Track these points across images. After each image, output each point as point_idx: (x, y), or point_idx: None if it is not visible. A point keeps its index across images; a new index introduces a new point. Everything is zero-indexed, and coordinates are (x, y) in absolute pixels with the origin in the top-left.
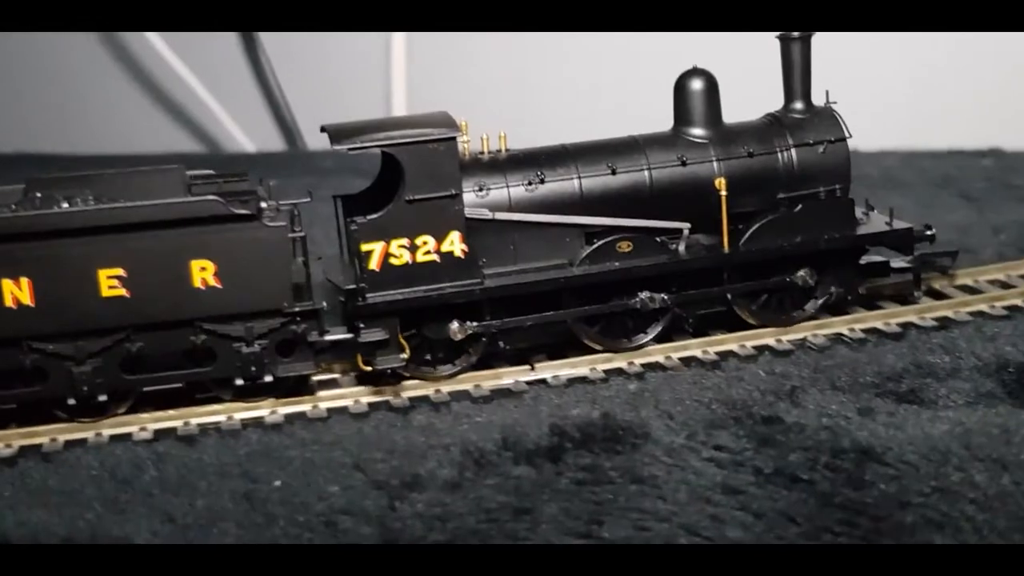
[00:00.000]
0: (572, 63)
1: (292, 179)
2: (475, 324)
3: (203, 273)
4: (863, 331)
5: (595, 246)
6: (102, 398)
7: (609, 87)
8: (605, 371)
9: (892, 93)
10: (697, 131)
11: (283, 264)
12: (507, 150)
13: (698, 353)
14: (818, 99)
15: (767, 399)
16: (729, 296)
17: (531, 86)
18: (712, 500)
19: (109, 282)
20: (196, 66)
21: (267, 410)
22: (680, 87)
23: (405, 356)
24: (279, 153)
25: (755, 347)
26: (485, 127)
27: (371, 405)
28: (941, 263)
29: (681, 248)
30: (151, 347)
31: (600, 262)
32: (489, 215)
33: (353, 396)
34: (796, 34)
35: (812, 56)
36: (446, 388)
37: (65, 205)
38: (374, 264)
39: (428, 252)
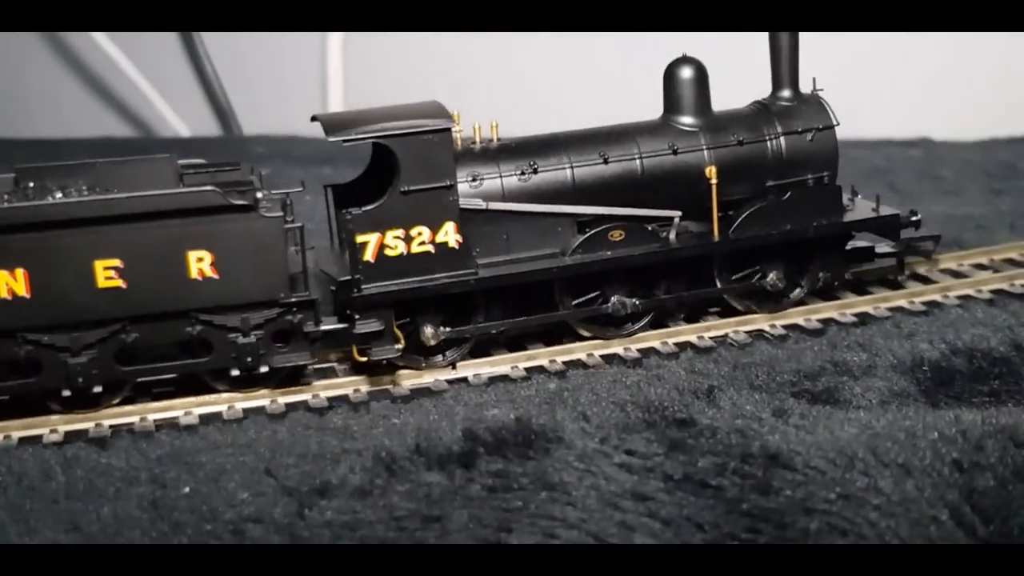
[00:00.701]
0: (512, 60)
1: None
2: (448, 329)
3: (200, 264)
4: (784, 327)
5: (587, 235)
6: (97, 390)
7: (554, 83)
8: (527, 369)
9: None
10: (687, 119)
11: (280, 254)
12: (499, 139)
13: (619, 351)
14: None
15: (684, 399)
16: (718, 284)
17: (469, 84)
18: (621, 507)
19: (106, 273)
20: (128, 48)
21: (181, 411)
22: (670, 75)
23: (400, 346)
24: (214, 138)
25: (677, 344)
26: None
27: (288, 405)
28: (924, 247)
29: (672, 236)
30: (146, 338)
31: (592, 251)
32: (483, 205)
33: (352, 386)
34: None
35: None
36: (364, 388)
37: (59, 195)
38: (369, 255)
39: (423, 243)
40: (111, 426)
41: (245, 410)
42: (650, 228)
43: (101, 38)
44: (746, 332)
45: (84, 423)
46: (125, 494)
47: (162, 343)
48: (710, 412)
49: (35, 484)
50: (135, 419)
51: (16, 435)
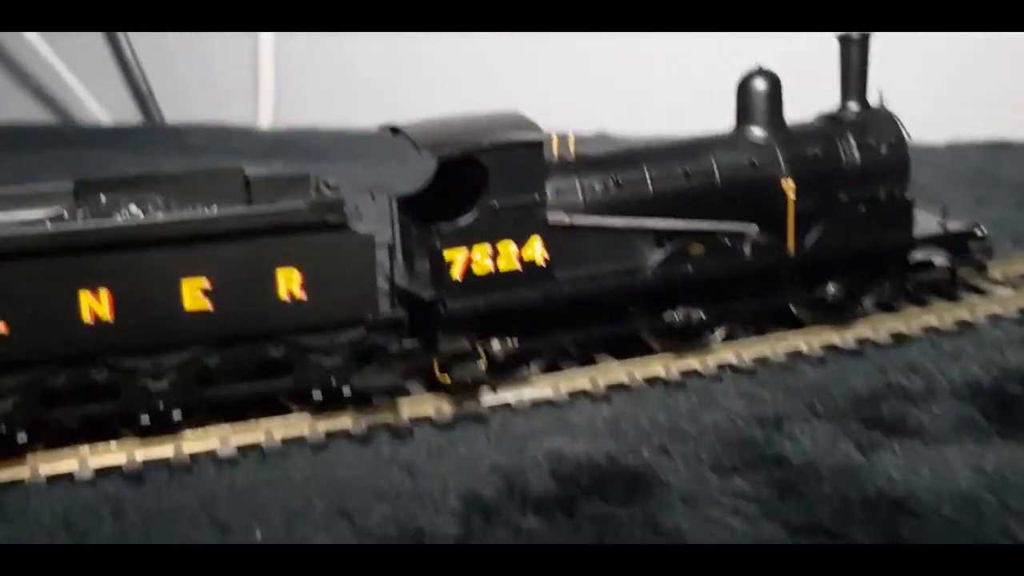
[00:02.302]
0: (449, 60)
1: (159, 157)
2: (517, 344)
3: (289, 283)
4: (821, 346)
5: (668, 249)
6: (177, 415)
7: (496, 85)
8: (570, 393)
9: None
10: (761, 132)
11: (370, 272)
12: (576, 152)
13: (662, 372)
14: None
15: (755, 430)
16: (787, 296)
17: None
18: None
19: (193, 293)
20: (47, 34)
21: (262, 434)
22: (744, 87)
23: (484, 365)
24: (137, 127)
25: (719, 366)
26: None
27: (328, 434)
28: (978, 259)
29: (747, 250)
30: (228, 361)
31: (673, 265)
32: (567, 220)
33: (429, 405)
34: (856, 35)
35: (870, 56)
36: (445, 408)
37: (133, 208)
38: (457, 272)
39: (510, 259)
40: (145, 461)
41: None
42: (727, 242)
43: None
44: (784, 352)
45: (156, 449)
46: (186, 537)
47: (244, 365)
48: (790, 446)
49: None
50: (213, 444)
51: (89, 462)
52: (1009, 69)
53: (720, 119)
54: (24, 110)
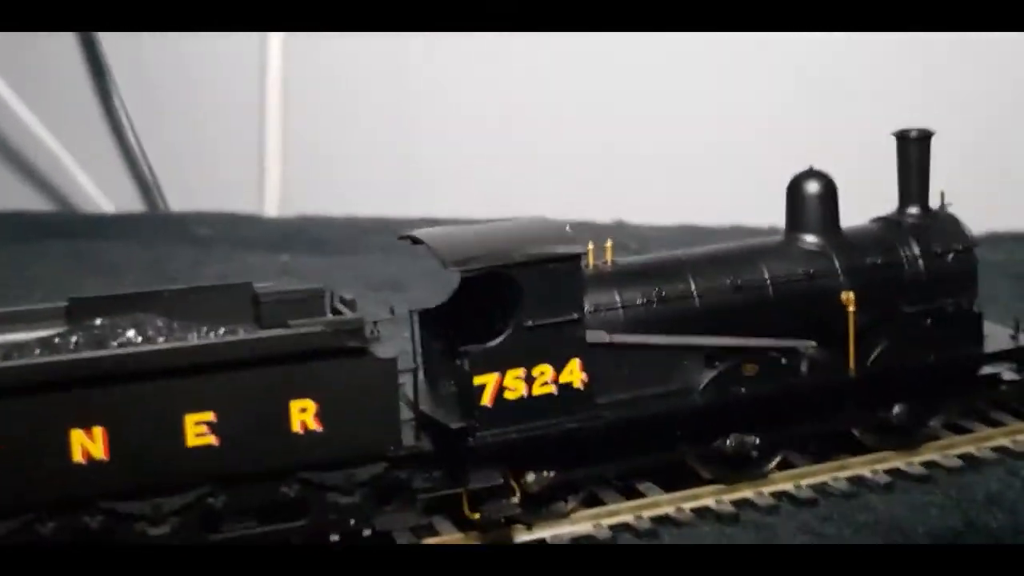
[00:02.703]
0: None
1: (165, 248)
2: (552, 475)
3: (303, 415)
4: (886, 471)
5: (718, 370)
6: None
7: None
8: (612, 528)
9: None
10: (815, 239)
11: (392, 401)
12: (613, 261)
13: (712, 504)
14: None
15: None
16: (848, 418)
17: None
18: None
19: (197, 429)
20: (45, 116)
21: None
22: (795, 190)
23: (516, 501)
24: (141, 215)
25: (772, 494)
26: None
27: None
28: None
29: (803, 368)
30: (237, 501)
31: (723, 386)
32: (607, 339)
33: (460, 540)
34: (914, 133)
35: (931, 157)
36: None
37: (131, 334)
38: (487, 399)
39: (546, 383)
40: None
41: None
42: (783, 361)
43: (18, 106)
44: (845, 478)
45: None
46: None
47: (253, 505)
48: None
49: None
50: None
51: None
52: None
53: (746, 211)
54: (26, 199)
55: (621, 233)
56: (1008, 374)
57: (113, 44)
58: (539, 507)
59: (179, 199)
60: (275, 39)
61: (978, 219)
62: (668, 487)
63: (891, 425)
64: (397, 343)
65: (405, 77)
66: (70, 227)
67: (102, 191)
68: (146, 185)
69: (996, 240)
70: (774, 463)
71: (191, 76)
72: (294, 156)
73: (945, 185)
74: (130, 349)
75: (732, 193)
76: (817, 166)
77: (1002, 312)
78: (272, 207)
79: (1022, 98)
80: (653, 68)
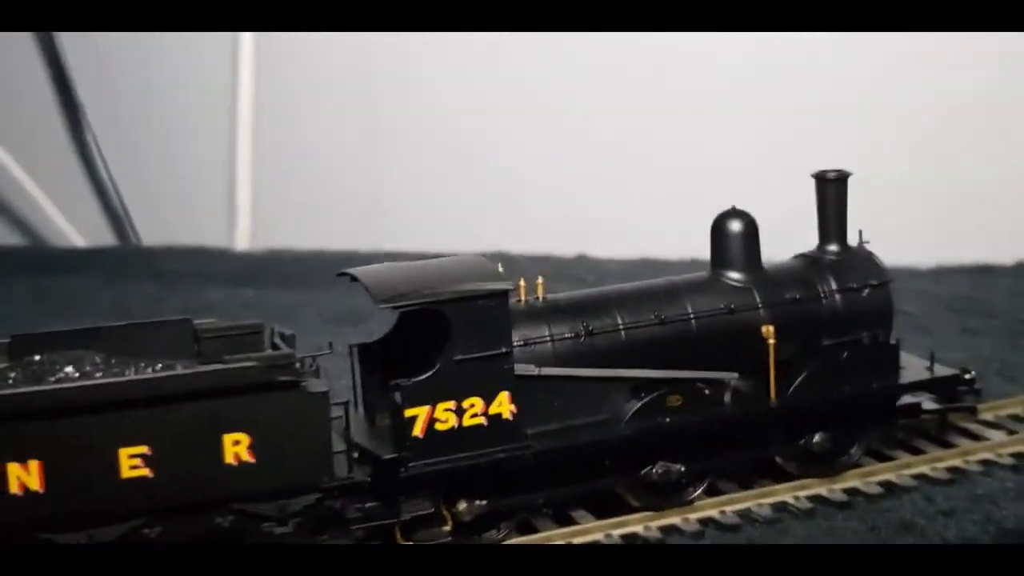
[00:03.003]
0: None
1: (130, 283)
2: (484, 503)
3: (236, 448)
4: (807, 498)
5: (644, 400)
6: None
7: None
8: (661, 527)
9: None
10: (738, 275)
11: (324, 433)
12: (544, 297)
13: (640, 530)
14: None
15: None
16: (769, 447)
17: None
18: None
19: (131, 461)
20: (15, 150)
21: None
22: (718, 228)
23: (448, 529)
24: (108, 249)
25: (699, 520)
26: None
27: None
28: (967, 403)
29: (727, 398)
30: (172, 532)
31: (649, 417)
32: (535, 371)
33: None
34: (832, 174)
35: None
36: None
37: (70, 369)
38: (418, 430)
39: (476, 415)
40: None
41: None
42: (706, 392)
43: None
44: (769, 504)
45: None
46: None
47: (189, 536)
48: None
49: None
50: None
51: None
52: (994, 192)
53: (704, 244)
54: (1, 235)
55: (581, 266)
56: (928, 403)
57: (85, 77)
58: (472, 535)
59: (151, 232)
60: (246, 72)
61: (926, 252)
62: (598, 514)
63: (813, 453)
64: (341, 377)
65: (375, 113)
66: (38, 261)
67: (73, 225)
68: (117, 219)
69: (942, 273)
70: (700, 490)
71: (163, 110)
72: (265, 190)
73: (892, 218)
74: (65, 384)
75: (691, 227)
76: (740, 205)
77: (936, 344)
78: (243, 241)
79: (967, 129)
80: (615, 105)
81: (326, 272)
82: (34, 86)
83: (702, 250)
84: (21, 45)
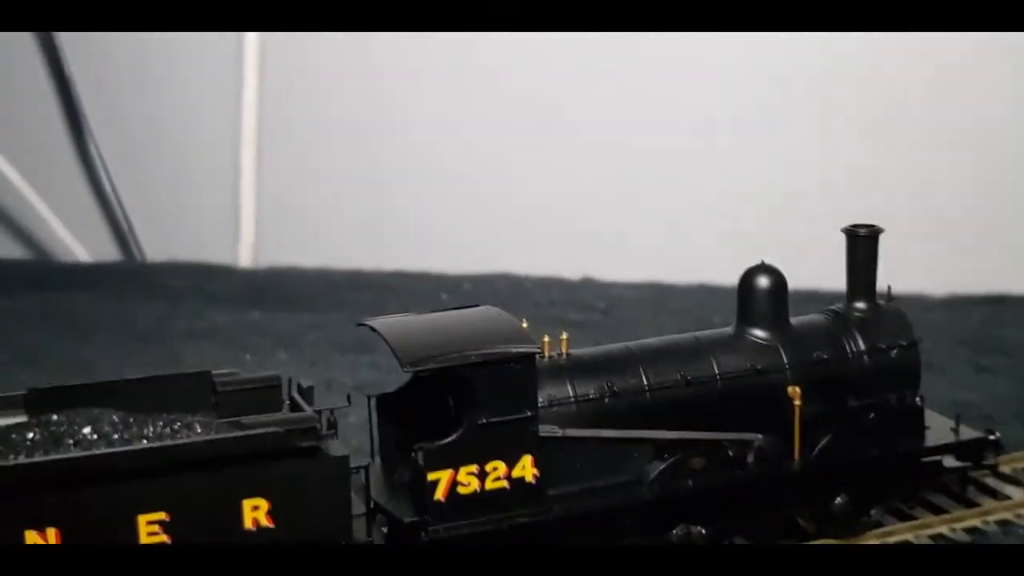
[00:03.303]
0: (429, 121)
1: (135, 302)
2: None
3: (255, 513)
4: None
5: (667, 463)
6: None
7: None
8: None
9: None
10: (763, 333)
11: (343, 497)
12: (567, 353)
13: None
14: None
15: None
16: (793, 509)
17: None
18: None
19: (149, 528)
20: (19, 163)
21: None
22: (746, 284)
23: None
24: (113, 264)
25: None
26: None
27: None
28: (988, 460)
29: (750, 460)
30: None
31: (672, 479)
32: (559, 433)
33: None
34: (863, 230)
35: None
36: None
37: (87, 431)
38: (440, 494)
39: (498, 479)
40: None
41: None
42: (731, 453)
43: None
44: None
45: None
46: None
47: None
48: None
49: None
50: None
51: None
52: (1008, 220)
53: (711, 270)
54: (4, 247)
55: (588, 289)
56: (949, 461)
57: (88, 89)
58: None
59: (155, 248)
60: (251, 89)
61: (938, 280)
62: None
63: (833, 514)
64: (354, 423)
65: (380, 131)
66: (42, 277)
67: (77, 239)
68: (122, 234)
69: (954, 303)
70: None
71: (167, 124)
72: (269, 206)
73: (904, 244)
74: (85, 452)
75: (699, 252)
76: (769, 261)
77: (949, 384)
78: (245, 257)
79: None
80: (626, 125)
81: (331, 293)
82: (37, 97)
83: (710, 275)
84: (24, 56)
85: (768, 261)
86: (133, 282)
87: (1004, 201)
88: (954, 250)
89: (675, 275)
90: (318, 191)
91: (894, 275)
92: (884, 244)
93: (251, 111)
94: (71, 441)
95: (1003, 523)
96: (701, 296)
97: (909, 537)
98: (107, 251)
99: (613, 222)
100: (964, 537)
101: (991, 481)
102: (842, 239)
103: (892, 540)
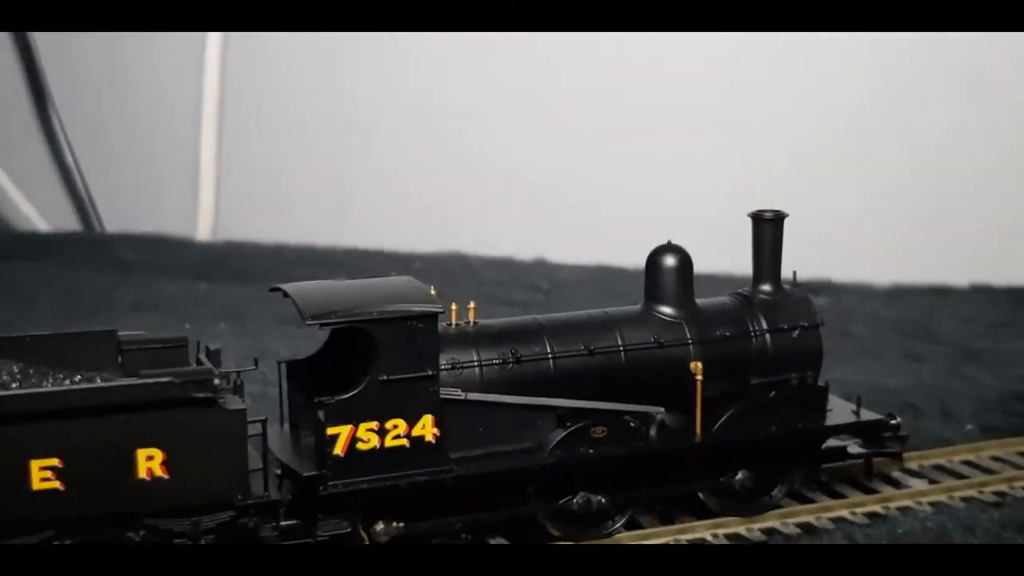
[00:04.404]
0: (390, 99)
1: (86, 272)
2: (401, 526)
3: (150, 463)
4: (726, 536)
5: (569, 430)
6: None
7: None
8: None
9: None
10: (670, 310)
11: (240, 451)
12: (475, 322)
13: None
14: None
15: None
16: (693, 483)
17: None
18: None
19: (42, 474)
20: None
21: None
22: (653, 263)
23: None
24: (74, 234)
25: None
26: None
27: None
28: (892, 448)
29: (652, 432)
30: (81, 545)
31: (572, 447)
32: (461, 395)
33: None
34: (769, 214)
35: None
36: None
37: None
38: (339, 449)
39: (398, 436)
40: None
41: None
42: (632, 424)
43: None
44: (687, 542)
45: None
46: None
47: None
48: None
49: None
50: None
51: None
52: (954, 211)
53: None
54: None
55: (537, 271)
56: (854, 448)
57: (53, 63)
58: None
59: (114, 219)
60: (213, 61)
61: (881, 271)
62: (517, 543)
63: (735, 491)
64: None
65: (341, 109)
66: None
67: (37, 210)
68: (82, 204)
69: (896, 294)
70: (620, 523)
71: (130, 97)
72: (229, 181)
73: (850, 236)
74: None
75: (649, 238)
76: (675, 240)
77: (880, 368)
78: (204, 231)
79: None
80: (582, 113)
81: (281, 268)
82: (2, 71)
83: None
84: None
85: (675, 242)
86: (87, 253)
87: (948, 197)
88: (898, 243)
89: (627, 259)
90: (279, 168)
91: (841, 265)
92: (830, 235)
93: (213, 86)
94: None
95: (905, 510)
96: None
97: (810, 520)
98: (67, 222)
99: (569, 206)
100: (829, 525)
101: (897, 475)
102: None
103: (793, 521)
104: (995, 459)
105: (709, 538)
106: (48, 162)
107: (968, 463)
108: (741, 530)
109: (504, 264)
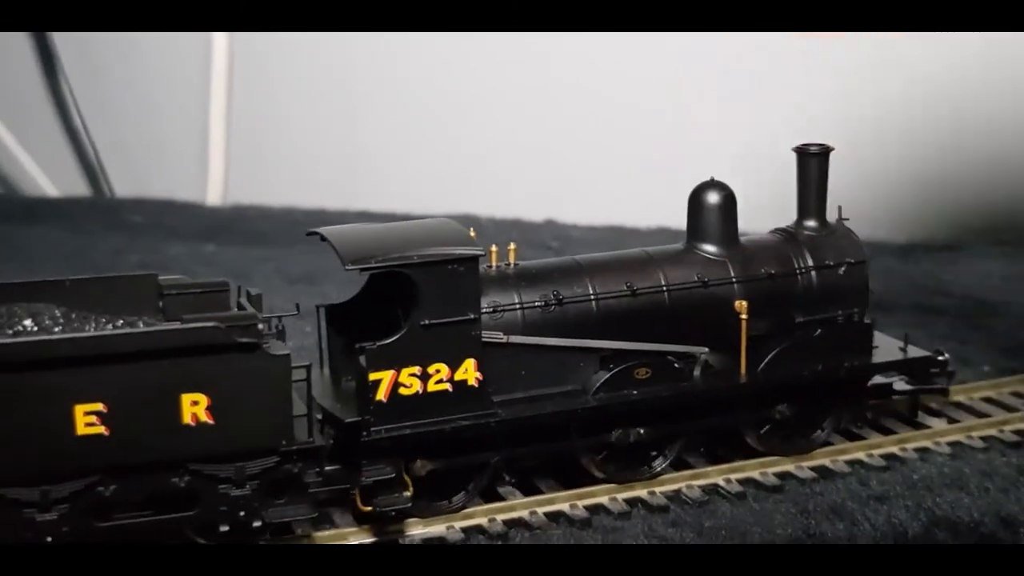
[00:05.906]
0: (399, 63)
1: (93, 235)
2: (438, 461)
3: (195, 408)
4: (739, 481)
5: (612, 372)
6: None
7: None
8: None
9: None
10: (713, 248)
11: (284, 397)
12: (515, 263)
13: (606, 502)
14: None
15: None
16: (739, 422)
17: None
18: None
19: (86, 419)
20: None
21: None
22: (695, 200)
23: (409, 494)
24: (84, 199)
25: (626, 500)
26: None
27: None
28: (939, 385)
29: (697, 373)
30: (126, 490)
31: (616, 389)
32: (503, 339)
33: (352, 537)
34: (814, 148)
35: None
36: (458, 523)
37: (29, 322)
38: (382, 395)
39: (440, 381)
40: None
41: None
42: (676, 365)
43: None
44: (700, 487)
45: None
46: None
47: (144, 495)
48: None
49: None
50: None
51: None
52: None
53: (671, 214)
54: None
55: (548, 232)
56: (900, 384)
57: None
58: (432, 501)
59: (124, 184)
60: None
61: (897, 228)
62: (565, 484)
63: (780, 430)
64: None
65: (351, 72)
66: (6, 210)
67: (47, 174)
68: (91, 169)
69: (910, 250)
70: (666, 463)
71: (139, 61)
72: (239, 146)
73: (867, 193)
74: (20, 339)
75: (661, 196)
76: (719, 176)
77: (893, 322)
78: (214, 196)
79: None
80: (590, 72)
81: (290, 230)
82: (8, 34)
83: (671, 219)
84: None
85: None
86: (97, 217)
87: (958, 156)
88: (916, 200)
89: (638, 219)
90: (289, 132)
91: (855, 221)
92: (846, 190)
93: (223, 51)
94: (10, 332)
95: (922, 451)
96: (662, 239)
97: (861, 456)
98: (77, 187)
99: (578, 167)
100: (845, 468)
101: (947, 409)
102: None
103: (844, 459)
104: (1016, 395)
105: (758, 476)
106: (57, 127)
107: (988, 400)
108: (791, 468)
109: (514, 224)
